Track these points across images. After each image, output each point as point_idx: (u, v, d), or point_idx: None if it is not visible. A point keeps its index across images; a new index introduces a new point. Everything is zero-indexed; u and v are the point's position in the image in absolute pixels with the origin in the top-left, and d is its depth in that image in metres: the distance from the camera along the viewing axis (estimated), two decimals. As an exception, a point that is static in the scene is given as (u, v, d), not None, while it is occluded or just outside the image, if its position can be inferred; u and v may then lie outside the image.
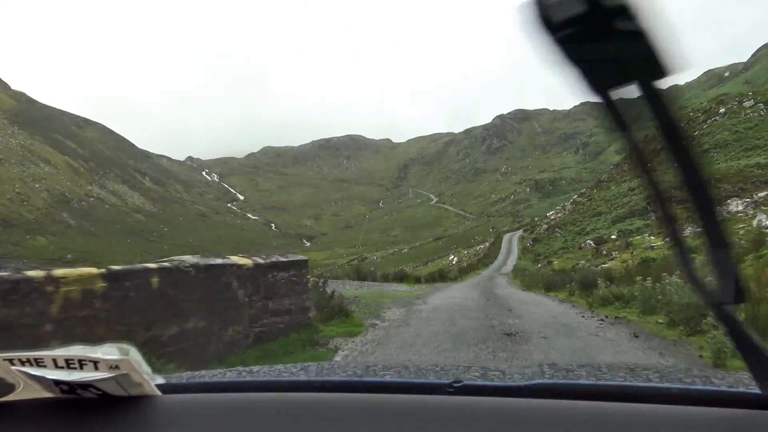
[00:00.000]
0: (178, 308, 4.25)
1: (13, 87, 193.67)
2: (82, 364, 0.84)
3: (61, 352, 0.85)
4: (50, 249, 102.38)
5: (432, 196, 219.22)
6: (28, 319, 3.28)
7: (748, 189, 34.59)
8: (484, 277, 32.49)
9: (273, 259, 5.59)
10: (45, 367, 0.85)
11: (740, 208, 28.57)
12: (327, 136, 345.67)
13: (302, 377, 1.15)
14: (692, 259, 0.62)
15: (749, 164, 39.65)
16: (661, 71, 0.48)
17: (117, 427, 0.89)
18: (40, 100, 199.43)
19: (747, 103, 56.46)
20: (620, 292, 9.34)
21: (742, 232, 12.41)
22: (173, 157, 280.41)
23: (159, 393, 0.95)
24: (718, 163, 44.44)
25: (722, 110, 58.11)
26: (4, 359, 0.84)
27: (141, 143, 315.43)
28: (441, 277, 26.59)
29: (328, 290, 8.50)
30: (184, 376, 1.19)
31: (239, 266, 5.01)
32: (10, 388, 0.89)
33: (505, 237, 74.04)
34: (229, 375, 1.20)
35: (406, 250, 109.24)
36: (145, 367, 0.93)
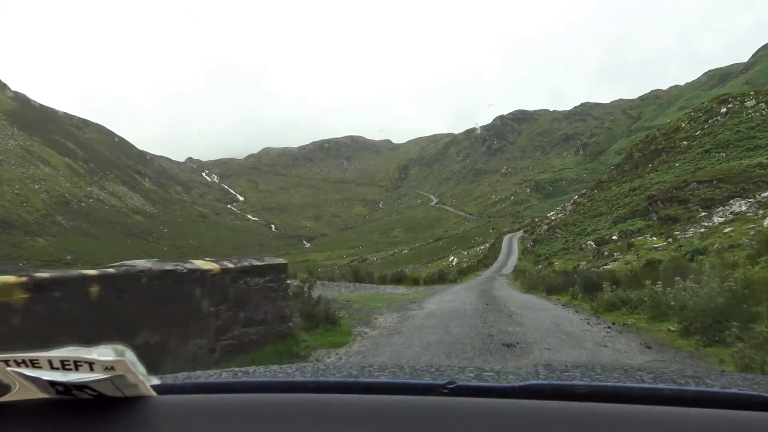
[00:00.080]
0: (124, 322, 3.73)
1: (12, 88, 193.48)
2: (77, 365, 0.84)
3: (57, 353, 0.85)
4: (49, 250, 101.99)
5: (432, 196, 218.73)
6: None
7: (751, 189, 34.16)
8: (484, 278, 32.05)
9: (245, 263, 5.02)
10: (40, 368, 0.85)
11: (743, 208, 28.09)
12: (327, 137, 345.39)
13: (298, 378, 1.16)
14: None
15: (751, 164, 39.26)
16: None
17: (113, 428, 0.89)
18: (39, 101, 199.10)
19: (749, 103, 56.02)
20: (627, 297, 8.75)
21: (752, 233, 11.97)
22: (173, 158, 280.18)
23: (154, 394, 0.95)
24: (720, 163, 44.07)
25: (724, 110, 57.68)
26: (0, 360, 0.84)
27: (141, 144, 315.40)
28: (440, 278, 26.11)
29: (315, 295, 7.91)
30: (179, 377, 1.19)
31: (203, 272, 4.44)
32: (6, 389, 0.88)
33: (506, 238, 73.72)
34: (225, 376, 1.21)
35: (406, 251, 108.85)
36: (141, 368, 0.92)
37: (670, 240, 23.71)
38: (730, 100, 59.85)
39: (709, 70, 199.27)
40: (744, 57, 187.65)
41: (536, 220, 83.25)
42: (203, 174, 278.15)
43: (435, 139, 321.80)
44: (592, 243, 37.12)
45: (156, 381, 1.01)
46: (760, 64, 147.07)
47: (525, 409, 0.89)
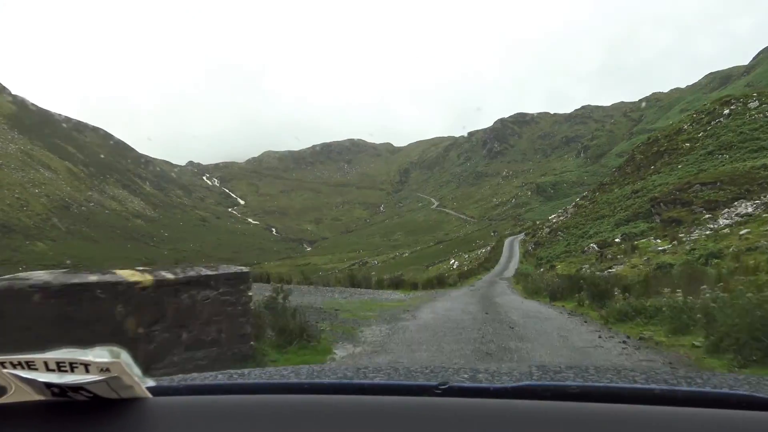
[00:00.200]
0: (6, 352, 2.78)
1: (13, 92, 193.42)
2: (72, 366, 0.84)
3: (52, 354, 0.86)
4: (49, 255, 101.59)
5: (433, 199, 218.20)
6: None
7: (755, 191, 33.55)
8: (485, 282, 31.37)
9: (191, 273, 4.26)
10: (36, 369, 0.85)
11: (750, 210, 27.44)
12: (328, 140, 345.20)
13: (293, 379, 1.17)
14: None
15: (755, 166, 38.67)
16: None
17: (108, 430, 0.89)
18: (40, 105, 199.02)
19: (752, 104, 55.40)
20: (641, 305, 7.82)
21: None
22: (174, 162, 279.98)
23: (149, 395, 0.96)
24: (723, 165, 43.45)
25: (726, 111, 57.05)
26: None
27: (141, 148, 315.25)
28: (439, 282, 25.30)
29: (290, 305, 7.14)
30: (175, 379, 1.21)
31: (129, 285, 3.58)
32: (2, 391, 0.89)
33: (507, 240, 73.19)
34: (221, 377, 1.22)
35: (407, 254, 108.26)
36: (136, 370, 0.93)
37: (675, 242, 23.07)
38: (732, 101, 59.23)
39: (710, 73, 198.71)
40: (745, 59, 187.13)
41: (537, 222, 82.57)
42: (204, 177, 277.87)
43: (436, 142, 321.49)
44: (594, 246, 36.54)
45: (151, 383, 1.02)
46: (761, 67, 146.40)
47: (517, 410, 0.90)
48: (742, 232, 15.96)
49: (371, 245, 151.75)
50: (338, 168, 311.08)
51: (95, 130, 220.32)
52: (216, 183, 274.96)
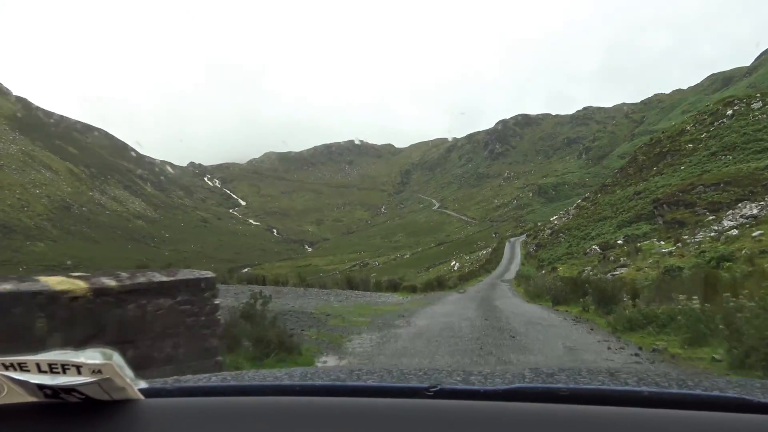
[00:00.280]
0: None
1: (14, 93, 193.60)
2: (64, 368, 0.84)
3: (45, 356, 0.86)
4: (50, 255, 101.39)
5: (434, 201, 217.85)
6: None
7: (760, 192, 33.13)
8: (486, 284, 30.95)
9: (140, 280, 3.68)
10: (29, 371, 0.85)
11: (755, 211, 27.00)
12: (329, 141, 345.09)
13: (286, 381, 1.17)
14: None
15: (759, 167, 38.28)
16: None
17: (100, 431, 0.90)
18: (41, 106, 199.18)
19: (755, 105, 54.94)
20: (652, 313, 7.11)
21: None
22: (175, 163, 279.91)
23: (142, 397, 0.96)
24: (727, 166, 43.02)
25: (730, 112, 56.60)
26: None
27: (142, 149, 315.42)
28: (439, 285, 24.73)
29: (269, 313, 6.40)
30: (168, 381, 1.21)
31: (53, 294, 3.04)
32: None
33: (508, 242, 72.87)
34: (214, 380, 1.22)
35: (408, 256, 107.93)
36: (128, 372, 0.93)
37: (679, 244, 22.62)
38: (736, 102, 58.76)
39: (712, 74, 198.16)
40: (747, 61, 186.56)
41: (539, 224, 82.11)
42: (205, 179, 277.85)
43: (437, 143, 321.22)
44: (596, 247, 36.16)
45: (143, 384, 1.03)
46: (763, 68, 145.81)
47: (507, 412, 0.90)
48: (754, 234, 15.29)
49: (372, 246, 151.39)
50: (339, 169, 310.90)
51: (96, 130, 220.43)
52: (217, 184, 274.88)
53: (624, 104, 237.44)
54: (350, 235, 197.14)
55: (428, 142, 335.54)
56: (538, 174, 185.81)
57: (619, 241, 35.76)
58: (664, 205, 39.32)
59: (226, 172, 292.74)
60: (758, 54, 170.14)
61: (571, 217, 62.51)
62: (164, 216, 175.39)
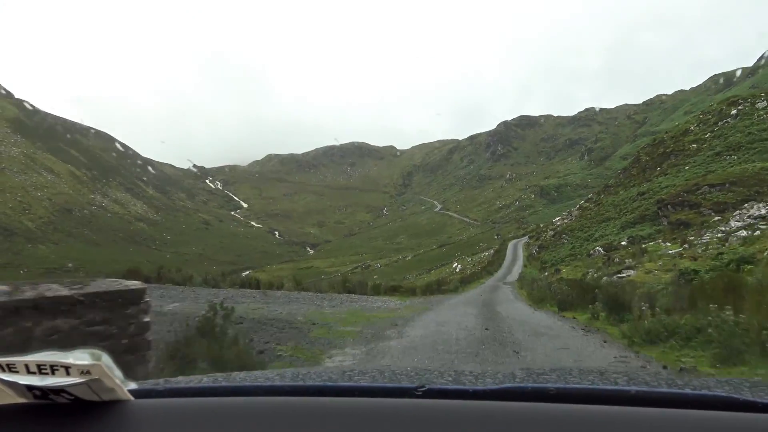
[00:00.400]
0: None
1: (16, 95, 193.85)
2: (53, 369, 0.84)
3: (34, 357, 0.86)
4: (51, 258, 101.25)
5: (436, 202, 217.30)
6: None
7: (766, 192, 32.78)
8: (488, 286, 30.52)
9: (27, 295, 2.91)
10: (17, 372, 0.85)
11: (763, 211, 26.66)
12: (331, 143, 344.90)
13: (277, 382, 1.18)
14: None
15: (765, 167, 37.90)
16: None
17: None
18: (43, 109, 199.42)
19: (760, 105, 54.51)
20: (674, 324, 6.32)
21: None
22: (177, 165, 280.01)
23: (131, 398, 0.96)
24: (732, 166, 42.63)
25: (734, 112, 56.20)
26: None
27: (144, 151, 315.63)
28: (439, 288, 24.17)
29: (232, 328, 5.65)
30: (159, 382, 1.21)
31: None
32: None
33: (510, 244, 72.45)
34: (205, 380, 1.23)
35: (409, 258, 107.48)
36: (117, 372, 0.93)
37: (685, 246, 22.25)
38: (740, 101, 58.34)
39: (714, 75, 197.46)
40: (749, 61, 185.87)
41: (541, 225, 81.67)
42: (207, 181, 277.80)
43: (439, 145, 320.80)
44: (600, 249, 35.80)
45: (133, 385, 1.03)
46: (766, 69, 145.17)
47: (495, 411, 0.91)
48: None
49: (374, 248, 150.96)
50: (341, 171, 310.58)
51: (98, 133, 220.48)
52: (219, 186, 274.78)
53: (626, 105, 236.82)
54: (352, 237, 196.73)
55: (430, 143, 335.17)
56: (540, 175, 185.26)
57: (623, 243, 35.42)
58: (669, 206, 38.95)
59: (227, 174, 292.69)
60: (760, 54, 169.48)
61: (574, 218, 62.09)
62: (166, 218, 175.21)
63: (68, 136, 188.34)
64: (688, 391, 1.00)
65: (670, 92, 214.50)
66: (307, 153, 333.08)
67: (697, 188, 39.01)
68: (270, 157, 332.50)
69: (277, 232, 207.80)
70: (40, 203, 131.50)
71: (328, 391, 1.07)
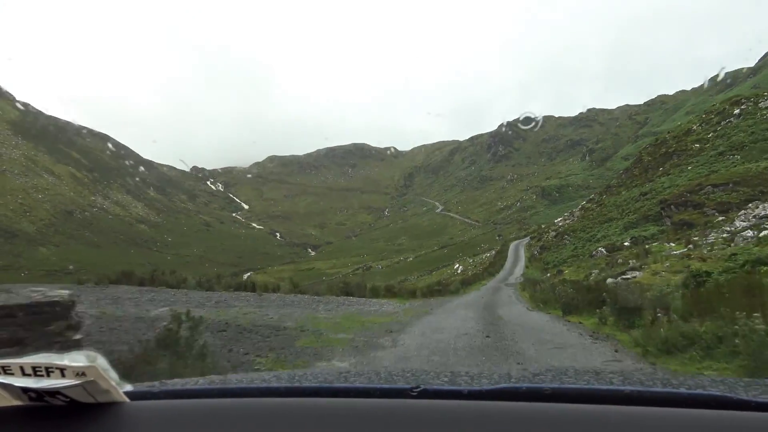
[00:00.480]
0: None
1: (17, 98, 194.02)
2: (49, 371, 0.85)
3: (29, 359, 0.87)
4: (52, 260, 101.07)
5: (437, 204, 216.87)
6: None
7: (770, 192, 32.43)
8: (489, 288, 30.11)
9: None
10: (12, 374, 0.85)
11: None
12: (332, 145, 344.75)
13: (273, 384, 1.19)
14: None
15: (769, 167, 37.49)
16: None
17: None
18: (44, 111, 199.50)
19: (763, 104, 54.10)
20: (693, 332, 5.72)
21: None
22: (178, 167, 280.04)
23: (127, 400, 0.96)
24: (735, 166, 42.23)
25: (737, 111, 55.80)
26: None
27: (145, 153, 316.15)
28: (440, 290, 23.59)
29: (200, 339, 4.98)
30: (155, 384, 1.21)
31: None
32: None
33: (512, 245, 72.04)
34: (201, 382, 1.23)
35: (411, 259, 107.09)
36: (113, 374, 0.93)
37: (690, 246, 21.90)
38: (743, 101, 57.92)
39: (716, 75, 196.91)
40: (751, 62, 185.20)
41: (543, 226, 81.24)
42: (208, 182, 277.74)
43: (440, 146, 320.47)
44: (602, 250, 35.43)
45: (129, 387, 1.03)
46: (767, 69, 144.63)
47: (490, 411, 0.92)
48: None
49: (375, 250, 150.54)
50: (342, 172, 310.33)
51: (99, 135, 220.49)
52: (220, 188, 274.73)
53: (627, 105, 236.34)
54: (353, 239, 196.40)
55: (431, 144, 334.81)
56: (542, 176, 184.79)
57: (626, 243, 35.05)
58: (672, 206, 38.56)
59: (228, 176, 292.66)
60: (762, 54, 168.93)
61: (576, 218, 61.68)
62: (167, 220, 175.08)
63: (69, 138, 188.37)
64: (683, 390, 1.01)
65: (671, 93, 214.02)
66: (309, 154, 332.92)
67: (701, 188, 38.65)
68: (271, 159, 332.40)
69: (278, 234, 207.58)
70: (40, 205, 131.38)
71: (324, 392, 1.07)
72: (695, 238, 23.86)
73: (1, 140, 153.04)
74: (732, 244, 18.17)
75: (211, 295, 13.31)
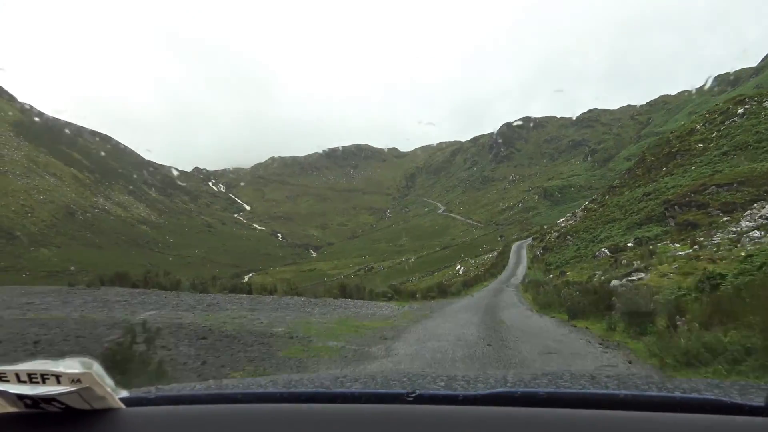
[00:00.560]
0: None
1: (19, 99, 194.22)
2: (44, 378, 0.85)
3: (24, 366, 0.86)
4: (53, 261, 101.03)
5: (439, 204, 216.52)
6: None
7: (776, 192, 32.03)
8: (491, 290, 29.75)
9: None
10: (8, 381, 0.85)
11: (775, 212, 25.91)
12: (334, 146, 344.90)
13: (270, 389, 1.18)
14: None
15: (775, 166, 37.08)
16: None
17: None
18: (45, 112, 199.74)
19: (767, 103, 53.66)
20: (717, 342, 5.08)
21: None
22: (180, 168, 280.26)
23: (123, 406, 0.96)
24: (740, 166, 41.84)
25: (741, 111, 55.35)
26: None
27: (147, 154, 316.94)
28: (440, 291, 23.11)
29: (155, 354, 4.54)
30: (151, 390, 1.21)
31: None
32: None
33: (514, 245, 71.65)
34: (198, 388, 1.23)
35: (413, 260, 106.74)
36: (109, 381, 0.93)
37: (696, 247, 21.51)
38: (747, 100, 57.49)
39: (718, 75, 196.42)
40: (753, 62, 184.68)
41: (545, 227, 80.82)
42: (210, 183, 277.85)
43: (442, 146, 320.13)
44: (606, 250, 35.06)
45: (125, 393, 1.03)
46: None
47: (485, 416, 0.92)
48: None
49: (377, 251, 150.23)
50: (344, 173, 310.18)
51: (100, 136, 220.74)
52: (222, 189, 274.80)
53: (629, 106, 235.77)
54: (355, 240, 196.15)
55: (433, 145, 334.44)
56: (544, 177, 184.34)
57: (629, 244, 34.67)
58: (676, 207, 38.16)
59: (230, 177, 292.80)
60: (765, 54, 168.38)
61: (578, 219, 61.28)
62: (169, 221, 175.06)
63: (71, 139, 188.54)
64: (677, 394, 1.01)
65: (673, 93, 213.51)
66: (310, 155, 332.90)
67: (705, 188, 38.28)
68: (273, 160, 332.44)
69: (279, 235, 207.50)
70: (42, 206, 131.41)
71: (320, 398, 1.07)
72: (700, 239, 23.47)
73: (3, 141, 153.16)
74: (738, 245, 17.79)
75: (204, 298, 12.94)
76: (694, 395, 0.96)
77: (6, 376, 0.84)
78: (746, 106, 55.69)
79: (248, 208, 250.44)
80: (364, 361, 6.62)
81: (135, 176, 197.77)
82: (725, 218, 30.36)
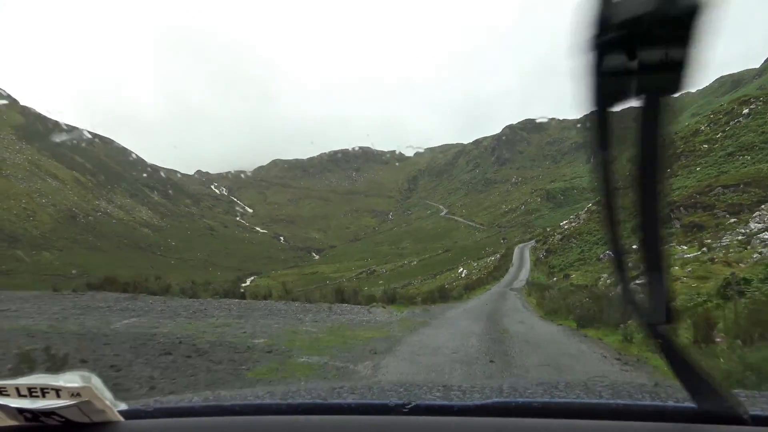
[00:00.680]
0: None
1: (21, 102, 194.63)
2: (44, 392, 0.85)
3: (24, 380, 0.87)
4: (55, 264, 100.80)
5: (442, 207, 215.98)
6: None
7: (784, 193, 31.62)
8: (494, 294, 29.15)
9: None
10: (8, 395, 0.86)
11: (784, 213, 25.43)
12: (336, 149, 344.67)
13: (267, 400, 1.19)
14: (629, 279, 0.61)
15: (781, 167, 36.63)
16: (680, 84, 0.40)
17: None
18: (47, 116, 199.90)
19: (773, 104, 53.14)
20: (762, 361, 4.39)
21: None
22: (182, 171, 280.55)
23: (122, 419, 0.96)
24: (746, 167, 41.26)
25: (746, 111, 54.78)
26: None
27: (149, 157, 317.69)
28: (442, 296, 22.47)
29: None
30: (150, 403, 1.21)
31: None
32: None
33: (517, 248, 71.04)
34: (195, 400, 1.24)
35: (415, 263, 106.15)
36: (107, 394, 0.94)
37: (704, 249, 20.94)
38: (752, 100, 56.91)
39: (722, 76, 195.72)
40: (756, 63, 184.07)
41: (548, 229, 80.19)
42: (212, 186, 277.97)
43: (444, 149, 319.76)
44: (610, 253, 34.46)
45: (123, 406, 1.04)
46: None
47: (482, 426, 0.92)
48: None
49: (379, 253, 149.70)
50: (346, 176, 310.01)
51: (103, 139, 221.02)
52: (224, 192, 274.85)
53: (632, 107, 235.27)
54: (357, 242, 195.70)
55: (435, 147, 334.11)
56: (546, 179, 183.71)
57: (634, 246, 34.12)
58: (681, 208, 37.59)
59: (232, 180, 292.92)
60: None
61: (581, 221, 60.66)
62: (171, 224, 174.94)
63: (73, 142, 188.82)
64: (670, 403, 1.01)
65: (676, 94, 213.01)
66: (312, 158, 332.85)
67: (710, 189, 37.73)
68: (275, 163, 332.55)
69: (282, 238, 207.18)
70: (44, 210, 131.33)
71: (318, 409, 1.07)
72: (708, 241, 22.93)
73: (5, 145, 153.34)
74: (749, 247, 17.23)
75: (192, 303, 12.41)
76: (686, 404, 0.94)
77: (6, 390, 0.85)
78: (751, 107, 55.16)
79: (250, 211, 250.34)
80: (349, 380, 5.88)
81: (137, 179, 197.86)
82: (732, 220, 29.81)
